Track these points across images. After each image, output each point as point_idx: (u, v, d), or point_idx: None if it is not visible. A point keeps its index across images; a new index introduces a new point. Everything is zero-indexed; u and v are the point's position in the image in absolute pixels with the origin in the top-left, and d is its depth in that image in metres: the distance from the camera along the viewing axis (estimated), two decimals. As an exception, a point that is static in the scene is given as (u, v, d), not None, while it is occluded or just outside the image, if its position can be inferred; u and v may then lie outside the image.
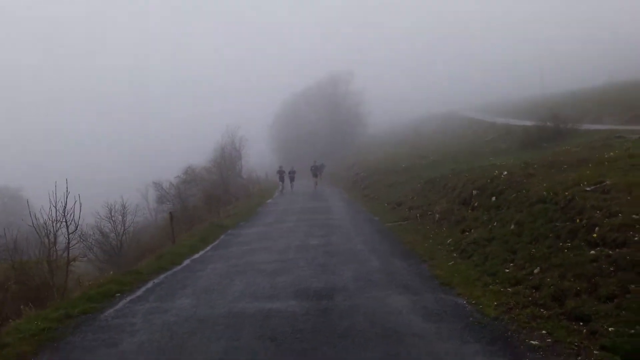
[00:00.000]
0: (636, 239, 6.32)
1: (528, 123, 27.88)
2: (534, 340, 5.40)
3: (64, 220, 12.14)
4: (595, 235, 6.93)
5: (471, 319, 6.17)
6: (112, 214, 25.61)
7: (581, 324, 5.62)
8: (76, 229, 12.59)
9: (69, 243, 12.30)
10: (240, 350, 5.46)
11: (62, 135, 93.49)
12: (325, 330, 5.92)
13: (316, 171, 33.84)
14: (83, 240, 26.07)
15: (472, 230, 10.68)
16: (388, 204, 19.54)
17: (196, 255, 11.98)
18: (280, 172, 33.47)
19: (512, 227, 9.13)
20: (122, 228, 25.63)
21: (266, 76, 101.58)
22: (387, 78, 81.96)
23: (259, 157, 59.18)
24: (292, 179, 33.35)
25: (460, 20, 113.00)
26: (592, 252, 6.68)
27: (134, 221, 26.75)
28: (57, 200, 12.38)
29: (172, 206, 28.66)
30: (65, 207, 12.07)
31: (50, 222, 12.36)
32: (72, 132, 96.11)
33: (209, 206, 24.41)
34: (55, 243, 12.37)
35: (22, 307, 8.26)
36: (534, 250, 7.84)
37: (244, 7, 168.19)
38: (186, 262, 11.22)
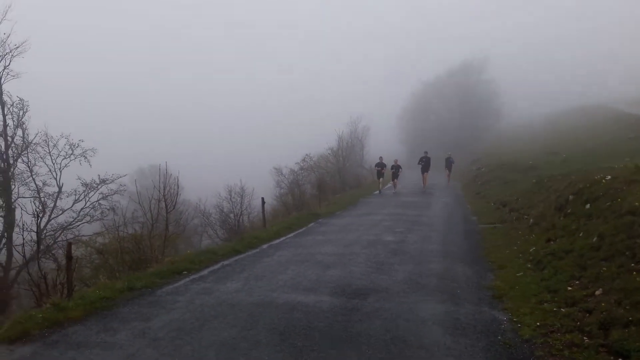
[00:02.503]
0: None
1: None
2: (554, 371, 4.80)
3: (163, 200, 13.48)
4: (669, 258, 5.90)
5: (499, 337, 5.63)
6: (232, 196, 27.44)
7: (620, 359, 4.86)
8: (174, 208, 13.87)
9: (167, 220, 13.56)
10: (245, 339, 5.58)
11: (210, 118, 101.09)
12: (337, 330, 5.81)
13: (427, 165, 27.50)
14: (205, 217, 28.68)
15: (557, 240, 9.66)
16: (494, 203, 18.38)
17: (275, 241, 12.40)
18: (380, 167, 26.99)
19: (594, 239, 8.09)
20: (240, 209, 27.35)
21: (397, 65, 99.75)
22: (525, 67, 75.71)
23: (386, 148, 58.98)
24: (395, 176, 27.06)
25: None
26: (661, 278, 5.70)
27: (250, 204, 28.30)
28: (167, 181, 13.76)
29: (286, 191, 29.82)
30: (164, 188, 13.33)
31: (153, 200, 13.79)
32: (220, 116, 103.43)
33: (318, 194, 25.03)
34: (156, 220, 13.74)
35: (100, 277, 9.27)
36: (604, 268, 6.90)
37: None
38: (262, 247, 11.67)
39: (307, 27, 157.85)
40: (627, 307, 5.55)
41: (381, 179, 27.16)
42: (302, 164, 32.46)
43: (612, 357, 4.91)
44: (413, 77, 72.32)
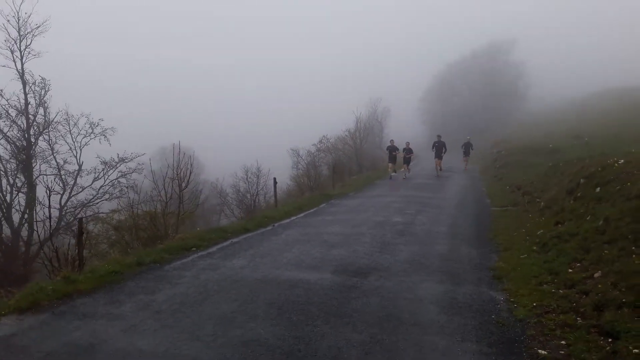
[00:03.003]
0: None
1: None
2: (543, 350, 4.84)
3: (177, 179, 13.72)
4: (669, 242, 5.85)
5: (494, 316, 5.69)
6: (248, 176, 27.71)
7: (609, 340, 4.88)
8: (186, 187, 14.10)
9: (180, 198, 13.82)
10: (243, 313, 5.75)
11: (226, 101, 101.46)
12: (333, 306, 5.94)
13: (440, 150, 25.46)
14: (222, 197, 29.03)
15: (565, 223, 9.60)
16: (509, 186, 18.24)
17: (285, 221, 12.56)
18: (391, 150, 25.14)
19: (600, 223, 8.04)
20: (256, 189, 27.61)
21: (420, 47, 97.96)
22: (557, 49, 73.82)
23: (408, 130, 58.52)
24: (407, 161, 25.13)
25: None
26: (659, 261, 5.68)
27: (267, 184, 28.51)
28: (180, 160, 13.97)
29: (302, 172, 29.95)
30: (177, 167, 13.55)
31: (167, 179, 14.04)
32: (239, 101, 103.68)
33: (333, 175, 25.13)
34: (170, 197, 14.00)
35: (111, 251, 9.54)
36: (606, 251, 6.88)
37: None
38: (270, 226, 11.84)
39: (329, 6, 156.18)
40: (622, 289, 5.56)
41: (391, 164, 25.19)
42: (319, 146, 32.58)
43: (602, 338, 4.94)
44: (436, 59, 71.32)
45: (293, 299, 6.21)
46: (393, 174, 24.99)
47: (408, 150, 25.01)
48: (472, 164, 30.71)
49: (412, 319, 5.59)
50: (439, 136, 26.49)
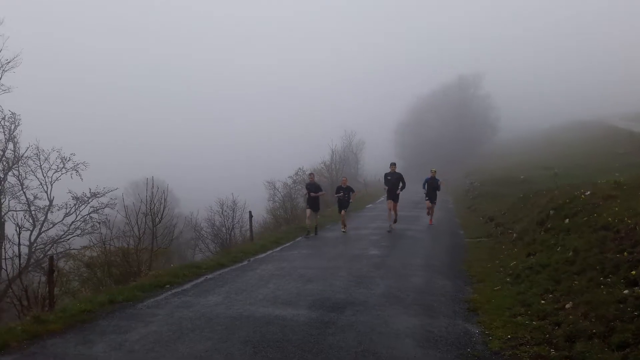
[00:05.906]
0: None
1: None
2: (518, 383, 4.90)
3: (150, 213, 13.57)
4: (634, 272, 6.03)
5: (469, 349, 5.73)
6: (223, 209, 27.50)
7: (582, 372, 4.97)
8: (160, 222, 13.94)
9: (153, 234, 13.64)
10: (217, 352, 5.66)
11: (200, 136, 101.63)
12: (309, 343, 5.89)
13: (395, 188, 16.47)
14: (196, 231, 28.69)
15: (536, 254, 9.79)
16: (483, 217, 18.55)
17: (261, 255, 12.49)
18: (310, 189, 16.56)
19: (570, 254, 8.24)
20: (232, 222, 27.40)
21: (395, 79, 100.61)
22: (524, 82, 76.70)
23: (382, 161, 59.24)
24: (344, 205, 16.72)
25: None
26: (626, 291, 5.83)
27: (242, 217, 28.34)
28: (154, 195, 13.83)
29: (279, 205, 29.91)
30: (151, 201, 13.43)
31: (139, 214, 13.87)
32: (211, 134, 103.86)
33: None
34: (143, 233, 13.80)
35: (82, 289, 9.34)
36: (576, 282, 7.03)
37: (368, 9, 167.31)
38: (246, 261, 11.76)
39: (304, 44, 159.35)
40: (592, 320, 5.67)
41: (310, 211, 16.49)
42: (295, 178, 32.61)
43: (574, 370, 5.02)
44: (410, 93, 73.13)
45: (269, 336, 6.15)
46: (310, 225, 16.51)
47: (347, 190, 16.91)
48: (447, 196, 30.83)
49: (389, 354, 5.59)
50: (393, 165, 17.10)
